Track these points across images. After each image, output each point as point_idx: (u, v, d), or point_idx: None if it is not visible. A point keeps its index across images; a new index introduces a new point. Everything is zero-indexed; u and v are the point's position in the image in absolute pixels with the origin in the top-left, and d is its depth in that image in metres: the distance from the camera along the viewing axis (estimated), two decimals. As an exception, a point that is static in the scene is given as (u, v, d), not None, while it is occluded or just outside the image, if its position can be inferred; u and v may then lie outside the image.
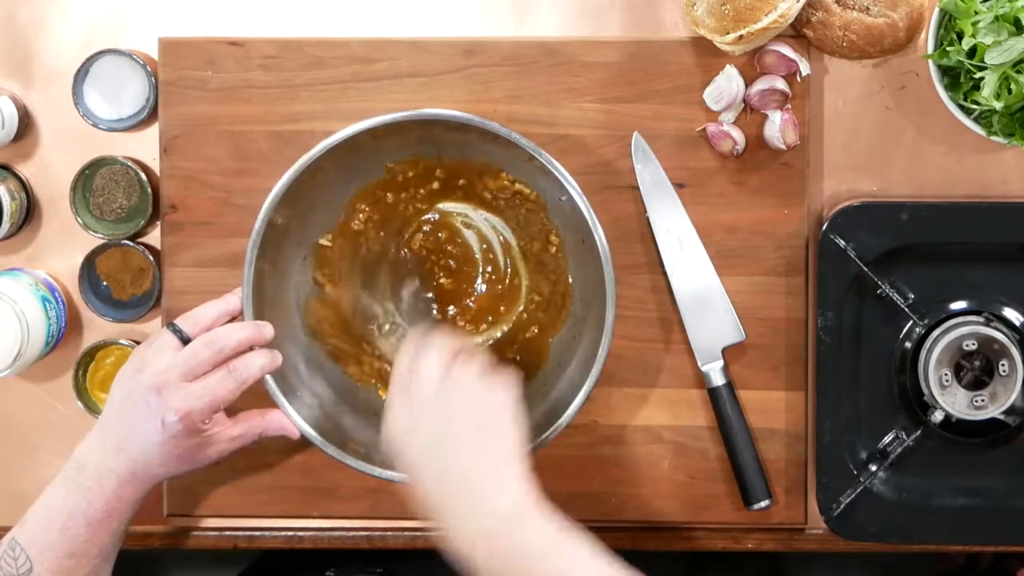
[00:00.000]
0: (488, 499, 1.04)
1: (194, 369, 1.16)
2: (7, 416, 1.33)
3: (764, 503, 1.26)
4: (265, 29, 1.30)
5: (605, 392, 1.28)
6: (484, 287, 1.28)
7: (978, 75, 1.18)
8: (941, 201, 1.26)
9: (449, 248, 1.28)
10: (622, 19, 1.29)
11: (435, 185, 1.26)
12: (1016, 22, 1.16)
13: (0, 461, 1.33)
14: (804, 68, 1.25)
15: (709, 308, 1.27)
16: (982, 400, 1.22)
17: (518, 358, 1.27)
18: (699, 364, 1.27)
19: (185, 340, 1.18)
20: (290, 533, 1.32)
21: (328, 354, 1.27)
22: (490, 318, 1.28)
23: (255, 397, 1.20)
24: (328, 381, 1.27)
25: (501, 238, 1.27)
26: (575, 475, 1.28)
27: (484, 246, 1.28)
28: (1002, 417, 1.24)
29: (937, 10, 1.21)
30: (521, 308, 1.28)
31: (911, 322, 1.25)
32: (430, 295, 1.27)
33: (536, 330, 1.27)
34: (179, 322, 1.19)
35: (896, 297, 1.24)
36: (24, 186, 1.31)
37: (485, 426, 1.07)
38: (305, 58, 1.27)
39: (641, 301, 1.28)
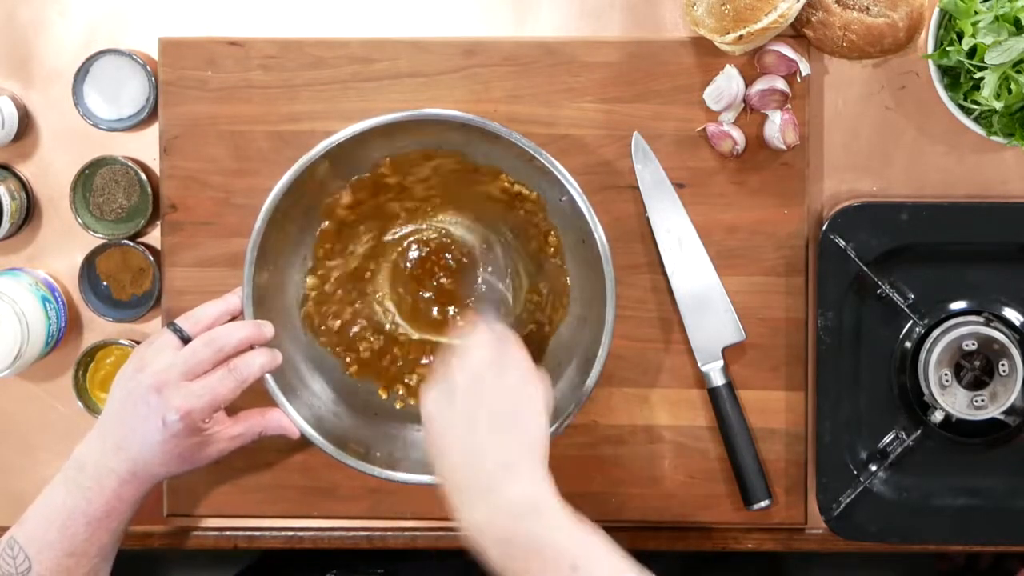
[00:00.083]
0: (504, 485, 1.04)
1: (194, 368, 1.16)
2: (7, 416, 1.33)
3: (764, 503, 1.26)
4: (265, 29, 1.30)
5: (605, 392, 1.28)
6: (484, 287, 1.28)
7: (978, 75, 1.18)
8: (941, 201, 1.26)
9: (449, 248, 1.27)
10: (622, 19, 1.29)
11: (435, 187, 1.26)
12: (1016, 22, 1.16)
13: (0, 461, 1.33)
14: (804, 68, 1.25)
15: (709, 308, 1.27)
16: (982, 400, 1.22)
17: None
18: (699, 364, 1.27)
19: (185, 339, 1.18)
20: (290, 533, 1.32)
21: (329, 352, 1.27)
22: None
23: (255, 396, 1.20)
24: (328, 381, 1.27)
25: (501, 238, 1.27)
26: (575, 475, 1.28)
27: (484, 246, 1.28)
28: (1002, 417, 1.24)
29: (937, 10, 1.21)
30: (520, 309, 1.28)
31: (911, 322, 1.25)
32: (494, 281, 1.27)
33: (534, 328, 1.27)
34: (179, 322, 1.19)
35: (896, 297, 1.24)
36: (24, 186, 1.31)
37: (516, 415, 1.08)
38: (305, 58, 1.27)
39: (641, 301, 1.28)
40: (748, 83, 1.26)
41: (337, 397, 1.27)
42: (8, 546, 1.15)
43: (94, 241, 1.30)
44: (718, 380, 1.26)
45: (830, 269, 1.24)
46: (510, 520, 1.03)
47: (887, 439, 1.27)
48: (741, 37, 1.21)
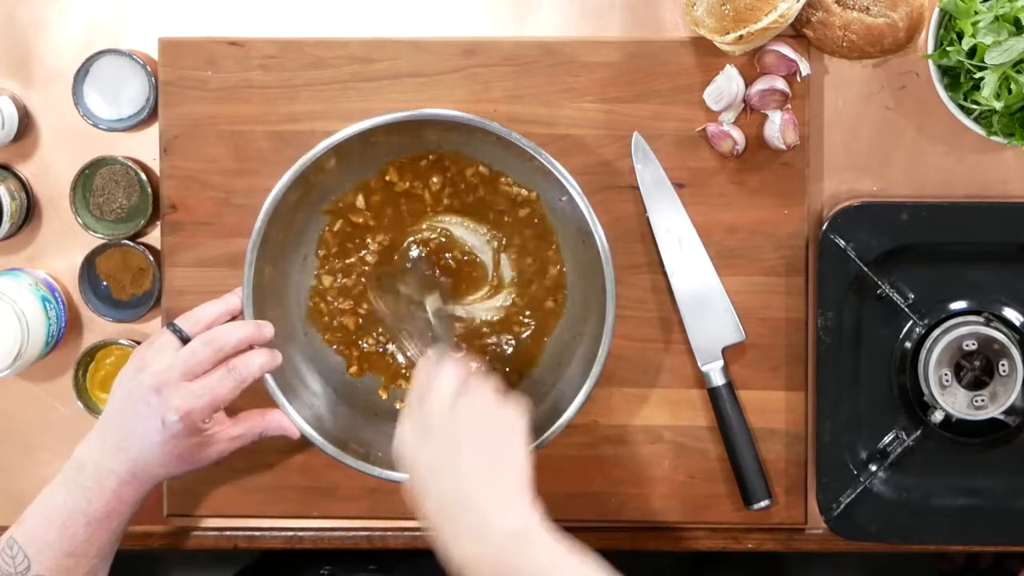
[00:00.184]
0: (492, 521, 1.03)
1: (194, 368, 1.16)
2: (7, 416, 1.33)
3: (764, 503, 1.26)
4: (265, 29, 1.30)
5: (605, 392, 1.28)
6: (484, 288, 1.28)
7: (978, 75, 1.18)
8: (941, 201, 1.26)
9: (448, 248, 1.27)
10: (622, 19, 1.29)
11: (435, 188, 1.26)
12: (1016, 22, 1.16)
13: (0, 461, 1.33)
14: (804, 68, 1.25)
15: (709, 308, 1.27)
16: (982, 400, 1.22)
17: (509, 354, 1.27)
18: (699, 364, 1.27)
19: (185, 340, 1.18)
20: (290, 533, 1.32)
21: (333, 350, 1.27)
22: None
23: (255, 397, 1.20)
24: (328, 381, 1.27)
25: (498, 238, 1.27)
26: (575, 475, 1.28)
27: (483, 245, 1.28)
28: (1002, 417, 1.24)
29: (937, 10, 1.21)
30: (516, 310, 1.28)
31: (911, 322, 1.25)
32: (451, 310, 1.27)
33: (532, 327, 1.27)
34: (179, 322, 1.19)
35: (896, 297, 1.24)
36: (24, 186, 1.31)
37: (494, 448, 1.06)
38: (305, 58, 1.27)
39: (641, 301, 1.28)
40: (748, 83, 1.26)
41: (337, 397, 1.27)
42: (7, 546, 1.14)
43: (94, 241, 1.30)
44: (718, 380, 1.26)
45: (830, 269, 1.24)
46: (502, 553, 1.01)
47: (887, 439, 1.27)
48: (741, 37, 1.21)
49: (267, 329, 1.20)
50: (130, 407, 1.15)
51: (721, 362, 1.27)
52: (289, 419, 1.22)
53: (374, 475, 1.21)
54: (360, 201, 1.26)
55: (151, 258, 1.29)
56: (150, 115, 1.29)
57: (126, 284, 1.31)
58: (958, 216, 1.24)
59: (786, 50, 1.25)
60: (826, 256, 1.24)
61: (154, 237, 1.31)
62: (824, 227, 1.24)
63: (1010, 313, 1.25)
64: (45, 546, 1.14)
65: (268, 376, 1.20)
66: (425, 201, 1.26)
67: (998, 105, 1.17)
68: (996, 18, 1.16)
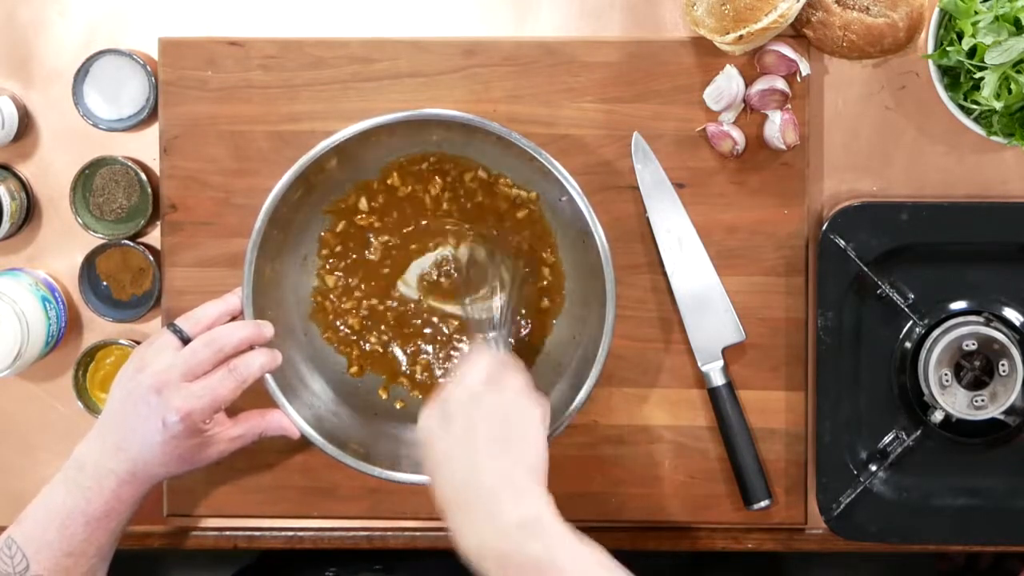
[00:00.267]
0: (504, 507, 1.03)
1: (194, 369, 1.16)
2: (7, 416, 1.33)
3: (764, 503, 1.26)
4: (265, 29, 1.30)
5: (605, 392, 1.28)
6: (480, 309, 1.28)
7: (978, 75, 1.18)
8: (941, 201, 1.26)
9: (447, 249, 1.28)
10: (622, 19, 1.29)
11: (434, 192, 1.26)
12: (1016, 22, 1.16)
13: (0, 461, 1.33)
14: (804, 68, 1.25)
15: (709, 308, 1.27)
16: (982, 400, 1.22)
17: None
18: (699, 364, 1.27)
19: (185, 340, 1.18)
20: (290, 533, 1.32)
21: (334, 349, 1.27)
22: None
23: (255, 397, 1.20)
24: (328, 381, 1.27)
25: (496, 241, 1.27)
26: (575, 475, 1.28)
27: (484, 256, 1.28)
28: (1002, 417, 1.24)
29: (937, 10, 1.21)
30: (515, 310, 1.28)
31: (911, 322, 1.25)
32: (451, 311, 1.27)
33: (530, 327, 1.27)
34: (179, 322, 1.19)
35: (896, 297, 1.24)
36: (24, 186, 1.31)
37: (512, 437, 1.07)
38: (305, 58, 1.28)
39: (641, 301, 1.28)
40: (748, 83, 1.26)
41: (337, 397, 1.27)
42: (6, 546, 1.14)
43: (94, 241, 1.30)
44: (718, 380, 1.26)
45: (830, 269, 1.24)
46: (511, 541, 1.01)
47: (887, 439, 1.27)
48: (741, 37, 1.21)
49: (267, 329, 1.20)
50: (130, 407, 1.15)
51: (721, 362, 1.27)
52: (289, 419, 1.22)
53: (374, 475, 1.21)
54: (363, 204, 1.26)
55: (151, 258, 1.29)
56: (150, 115, 1.29)
57: (126, 284, 1.31)
58: (958, 216, 1.24)
59: (786, 50, 1.25)
60: (826, 256, 1.24)
61: (154, 237, 1.31)
62: (824, 227, 1.24)
63: (1010, 313, 1.25)
64: (44, 546, 1.14)
65: (268, 376, 1.20)
66: (426, 205, 1.26)
67: (998, 105, 1.17)
68: (996, 18, 1.16)
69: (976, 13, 1.17)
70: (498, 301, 1.26)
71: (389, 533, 1.32)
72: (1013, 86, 1.16)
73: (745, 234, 1.27)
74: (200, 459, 1.19)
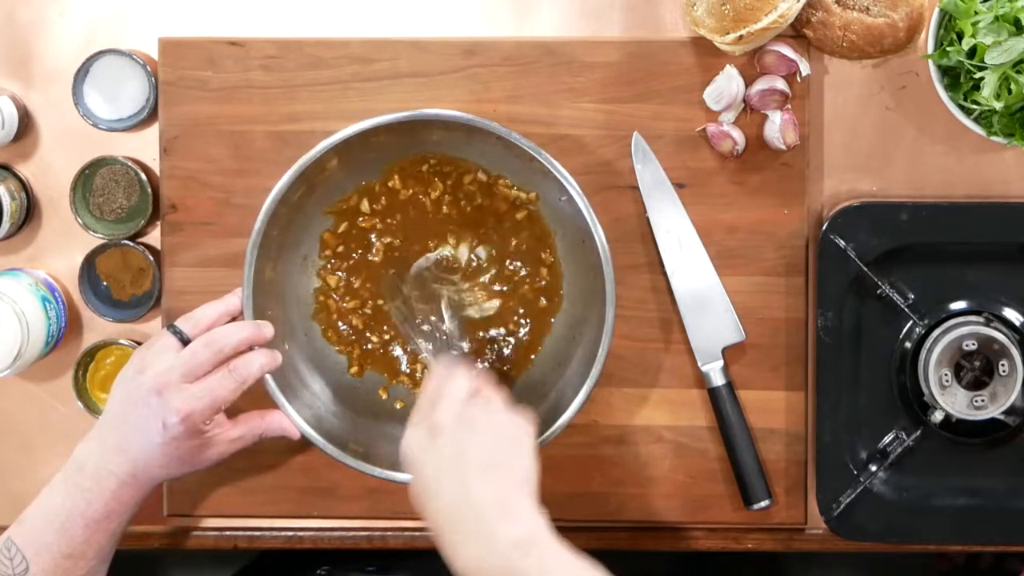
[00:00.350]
0: (496, 527, 1.02)
1: (194, 370, 1.16)
2: (7, 416, 1.33)
3: (764, 503, 1.26)
4: (265, 29, 1.30)
5: (605, 392, 1.28)
6: (453, 330, 1.28)
7: (978, 75, 1.18)
8: (941, 201, 1.26)
9: (447, 250, 1.28)
10: (622, 19, 1.29)
11: (434, 195, 1.26)
12: (1016, 22, 1.16)
13: (0, 461, 1.33)
14: (804, 68, 1.25)
15: (709, 308, 1.27)
16: (982, 400, 1.22)
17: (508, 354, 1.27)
18: (699, 364, 1.27)
19: (185, 341, 1.18)
20: (290, 533, 1.32)
21: (336, 349, 1.27)
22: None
23: (256, 398, 1.20)
24: (328, 381, 1.27)
25: (495, 243, 1.27)
26: (575, 475, 1.28)
27: (479, 244, 1.28)
28: (1002, 417, 1.24)
29: (937, 10, 1.21)
30: (513, 311, 1.28)
31: (911, 322, 1.25)
32: (454, 317, 1.27)
33: (529, 326, 1.27)
34: (179, 323, 1.19)
35: (896, 297, 1.24)
36: (24, 186, 1.31)
37: (500, 456, 1.07)
38: (305, 58, 1.27)
39: (641, 301, 1.28)
40: (748, 83, 1.26)
41: (337, 397, 1.27)
42: (6, 547, 1.14)
43: (94, 241, 1.30)
44: (718, 380, 1.26)
45: (830, 269, 1.24)
46: (506, 560, 1.01)
47: (887, 439, 1.27)
48: (741, 37, 1.20)
49: (267, 329, 1.20)
50: (130, 408, 1.15)
51: (721, 362, 1.27)
52: (289, 419, 1.22)
53: (374, 475, 1.21)
54: (365, 206, 1.26)
55: (151, 258, 1.29)
56: (150, 115, 1.29)
57: (126, 284, 1.31)
58: (958, 216, 1.24)
59: (786, 50, 1.25)
60: (826, 256, 1.24)
61: (154, 237, 1.31)
62: (824, 227, 1.24)
63: (1010, 313, 1.25)
64: (43, 547, 1.14)
65: (268, 376, 1.20)
66: (427, 208, 1.26)
67: (998, 105, 1.17)
68: (996, 18, 1.16)
69: (976, 13, 1.17)
70: (447, 314, 1.26)
71: (389, 533, 1.32)
72: (1013, 86, 1.16)
73: (745, 234, 1.27)
74: (200, 460, 1.19)
